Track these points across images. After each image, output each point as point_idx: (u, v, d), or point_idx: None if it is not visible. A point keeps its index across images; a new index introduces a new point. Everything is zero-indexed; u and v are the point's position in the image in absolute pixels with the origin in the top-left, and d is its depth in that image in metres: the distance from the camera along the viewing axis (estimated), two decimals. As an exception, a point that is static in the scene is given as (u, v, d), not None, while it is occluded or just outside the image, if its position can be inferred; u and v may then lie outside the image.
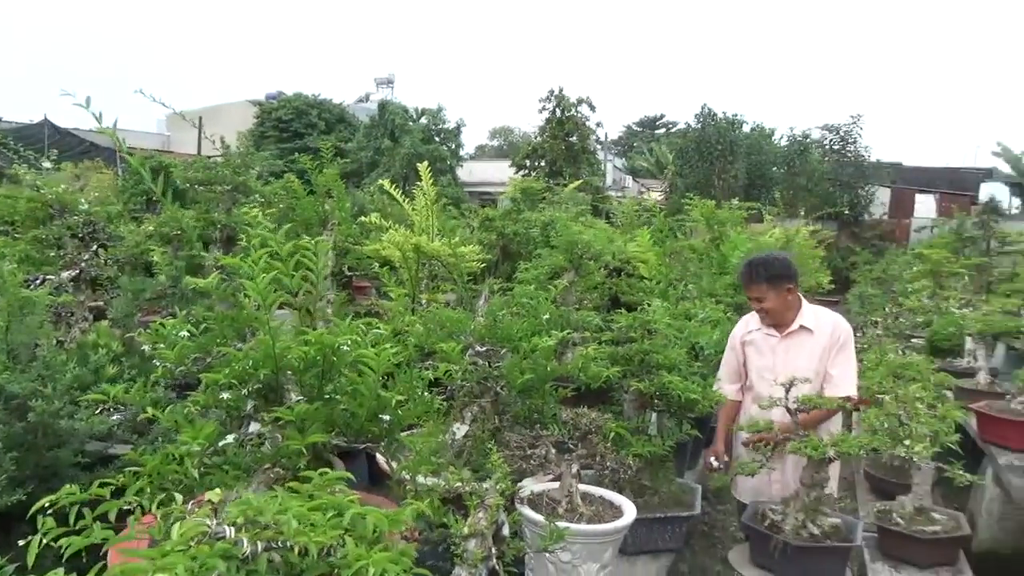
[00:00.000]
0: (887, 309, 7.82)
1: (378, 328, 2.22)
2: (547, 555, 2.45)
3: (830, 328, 3.48)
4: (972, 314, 6.12)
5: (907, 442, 3.75)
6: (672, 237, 10.07)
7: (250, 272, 1.72)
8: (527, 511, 2.52)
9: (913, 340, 7.73)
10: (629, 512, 2.63)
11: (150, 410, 1.78)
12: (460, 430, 3.13)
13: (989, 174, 33.91)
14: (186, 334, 2.01)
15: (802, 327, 3.46)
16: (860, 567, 3.83)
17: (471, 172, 29.38)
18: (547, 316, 3.31)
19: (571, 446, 2.70)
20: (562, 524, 2.40)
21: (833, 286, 14.02)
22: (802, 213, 14.08)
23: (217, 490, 1.23)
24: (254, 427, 2.17)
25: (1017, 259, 7.99)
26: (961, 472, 3.66)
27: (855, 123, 20.99)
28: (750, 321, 3.65)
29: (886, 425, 3.95)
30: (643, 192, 28.66)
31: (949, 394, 5.34)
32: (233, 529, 1.08)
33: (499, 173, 25.44)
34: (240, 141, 5.40)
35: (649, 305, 3.70)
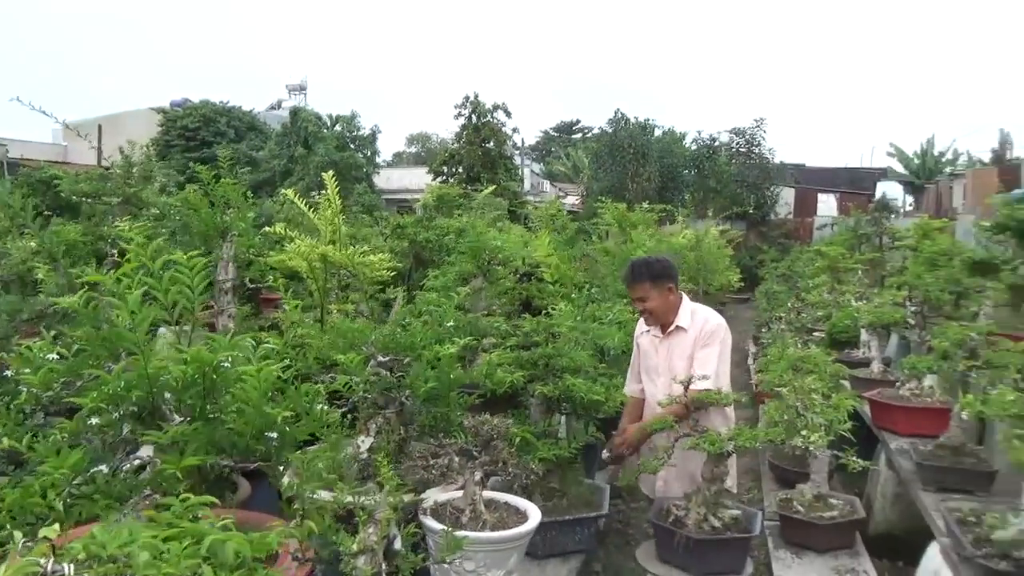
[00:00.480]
0: (790, 305, 8.14)
1: (268, 342, 2.15)
2: (449, 565, 2.43)
3: (700, 325, 3.60)
4: (865, 306, 6.44)
5: (804, 432, 3.92)
6: (588, 240, 10.21)
7: (116, 288, 1.63)
8: (429, 521, 2.49)
9: (815, 333, 8.08)
10: (534, 517, 2.63)
11: (6, 441, 1.66)
12: (365, 443, 3.08)
13: (884, 173, 35.96)
14: (55, 356, 1.90)
15: (678, 327, 3.59)
16: (766, 554, 3.97)
17: (389, 179, 29.16)
18: (451, 323, 3.29)
19: (475, 453, 2.69)
20: (463, 533, 2.38)
21: (743, 284, 14.56)
22: (710, 214, 14.53)
23: (55, 526, 1.15)
24: (145, 452, 2.06)
25: (906, 253, 8.46)
26: (854, 459, 3.84)
27: (759, 126, 21.87)
28: (642, 325, 3.76)
29: (785, 417, 4.11)
30: (560, 196, 29.05)
31: (846, 383, 5.61)
32: (73, 566, 1.01)
33: (417, 180, 25.32)
34: (134, 149, 5.14)
35: (554, 309, 3.74)
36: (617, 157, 21.59)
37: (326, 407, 2.80)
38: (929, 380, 4.84)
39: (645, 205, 10.01)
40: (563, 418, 3.92)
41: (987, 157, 30.14)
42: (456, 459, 2.67)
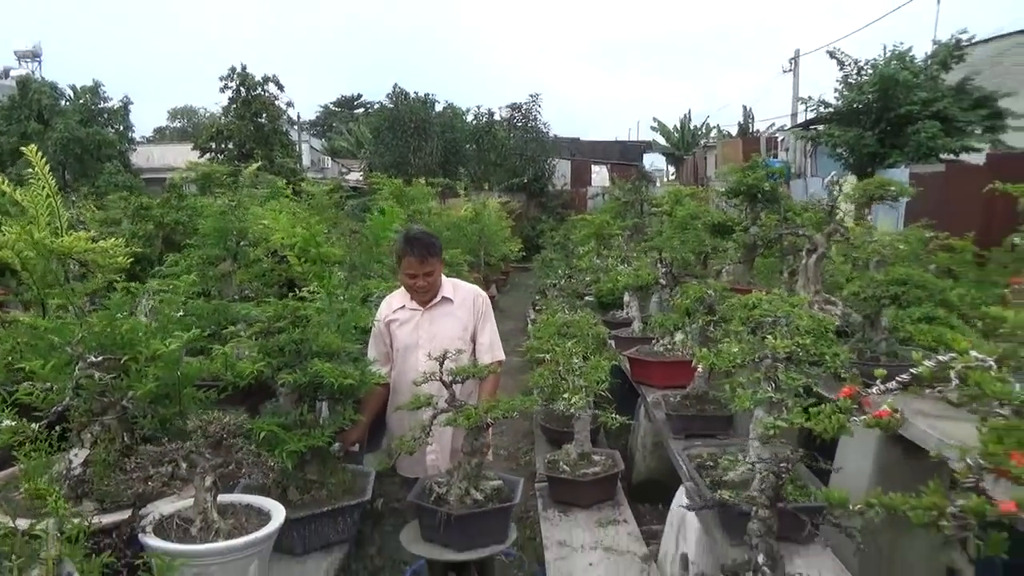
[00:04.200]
0: (560, 271, 8.46)
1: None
2: (177, 585, 2.15)
3: (471, 298, 3.62)
4: (626, 270, 6.83)
5: (566, 395, 4.03)
6: (370, 216, 9.90)
7: None
8: (149, 540, 2.19)
9: (586, 297, 8.49)
10: (277, 517, 2.41)
11: None
12: (79, 456, 2.67)
13: (649, 146, 38.89)
14: None
15: (444, 298, 3.57)
16: (537, 514, 4.06)
17: (149, 157, 26.68)
18: (180, 313, 2.94)
19: (206, 456, 2.40)
20: (187, 547, 2.13)
21: (524, 253, 15.02)
22: (486, 187, 14.79)
23: None
24: None
25: (663, 219, 9.10)
26: (612, 415, 4.02)
27: (534, 102, 22.60)
28: (392, 301, 3.66)
29: (549, 381, 4.21)
30: (344, 173, 28.20)
31: (611, 343, 5.92)
32: None
33: (182, 157, 23.29)
34: None
35: (300, 290, 3.49)
36: (398, 132, 21.30)
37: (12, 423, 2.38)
38: (680, 335, 5.22)
39: (422, 180, 9.89)
40: (324, 404, 3.70)
41: (734, 130, 33.62)
42: (183, 465, 2.37)
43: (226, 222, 4.14)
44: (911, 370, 1.73)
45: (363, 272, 4.86)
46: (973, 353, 1.65)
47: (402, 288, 3.71)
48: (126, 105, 21.79)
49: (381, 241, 4.86)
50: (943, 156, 11.13)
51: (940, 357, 1.68)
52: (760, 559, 1.58)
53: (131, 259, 4.78)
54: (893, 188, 3.52)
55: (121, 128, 21.46)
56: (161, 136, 42.65)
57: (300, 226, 4.16)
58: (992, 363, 1.61)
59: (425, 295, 3.53)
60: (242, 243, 4.31)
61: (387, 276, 5.17)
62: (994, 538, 1.47)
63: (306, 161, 27.78)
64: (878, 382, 1.81)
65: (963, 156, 11.09)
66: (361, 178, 24.93)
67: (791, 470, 1.68)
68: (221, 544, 2.16)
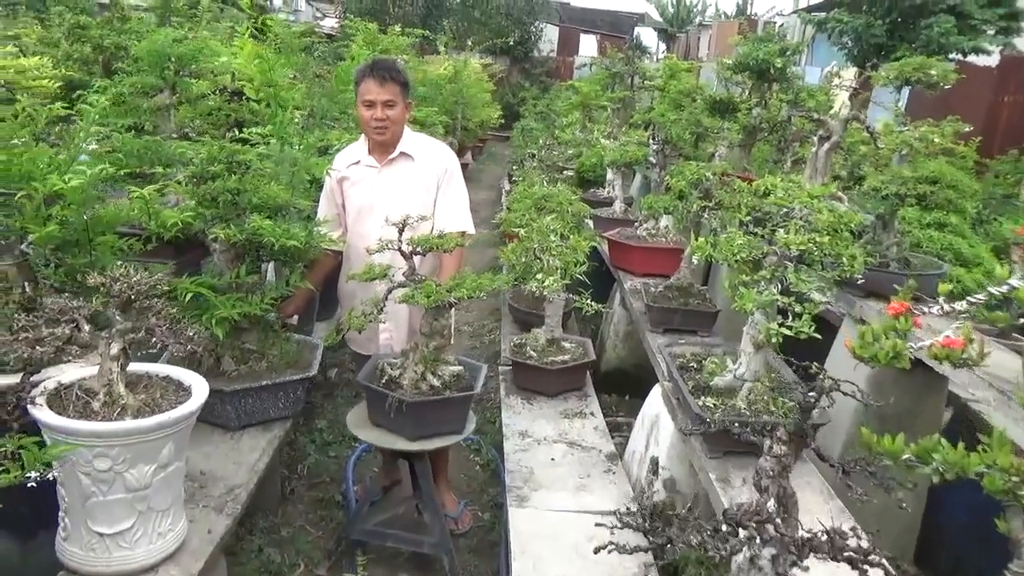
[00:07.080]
0: (542, 142, 7.93)
1: None
2: (72, 466, 1.83)
3: (435, 157, 3.11)
4: (612, 145, 6.34)
5: (539, 275, 3.67)
6: (335, 61, 9.11)
7: None
8: (40, 413, 1.83)
9: (566, 172, 8.01)
10: (197, 394, 2.06)
11: None
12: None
13: (642, 19, 37.04)
14: None
15: (403, 153, 3.06)
16: (499, 397, 3.81)
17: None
18: (93, 145, 2.46)
19: (116, 319, 2.02)
20: (83, 424, 1.79)
21: (503, 122, 14.29)
22: (469, 45, 13.79)
23: None
24: None
25: (655, 94, 8.51)
26: (588, 302, 3.70)
27: (525, -42, 20.98)
28: (346, 155, 3.15)
29: (523, 259, 3.84)
30: (318, 18, 26.37)
31: (589, 223, 5.54)
32: None
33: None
34: None
35: (250, 133, 3.00)
36: (378, -24, 19.71)
37: None
38: (665, 220, 4.85)
39: (396, 28, 9.03)
40: (271, 265, 3.31)
41: (732, 11, 31.97)
42: (86, 327, 1.98)
43: (162, 45, 3.54)
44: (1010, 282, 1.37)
45: (324, 122, 4.33)
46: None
47: (359, 141, 3.22)
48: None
49: (348, 85, 4.30)
50: (952, 56, 10.48)
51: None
52: (771, 505, 1.28)
53: (63, 84, 4.16)
54: (934, 71, 3.05)
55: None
56: (120, -42, 39.20)
57: (260, 61, 3.59)
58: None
59: (384, 134, 3.00)
60: (181, 72, 3.72)
61: (351, 129, 4.66)
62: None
63: (277, 0, 25.81)
64: (941, 299, 1.46)
65: (971, 58, 10.47)
66: (336, 25, 23.29)
67: (817, 402, 1.36)
68: (127, 424, 1.82)
